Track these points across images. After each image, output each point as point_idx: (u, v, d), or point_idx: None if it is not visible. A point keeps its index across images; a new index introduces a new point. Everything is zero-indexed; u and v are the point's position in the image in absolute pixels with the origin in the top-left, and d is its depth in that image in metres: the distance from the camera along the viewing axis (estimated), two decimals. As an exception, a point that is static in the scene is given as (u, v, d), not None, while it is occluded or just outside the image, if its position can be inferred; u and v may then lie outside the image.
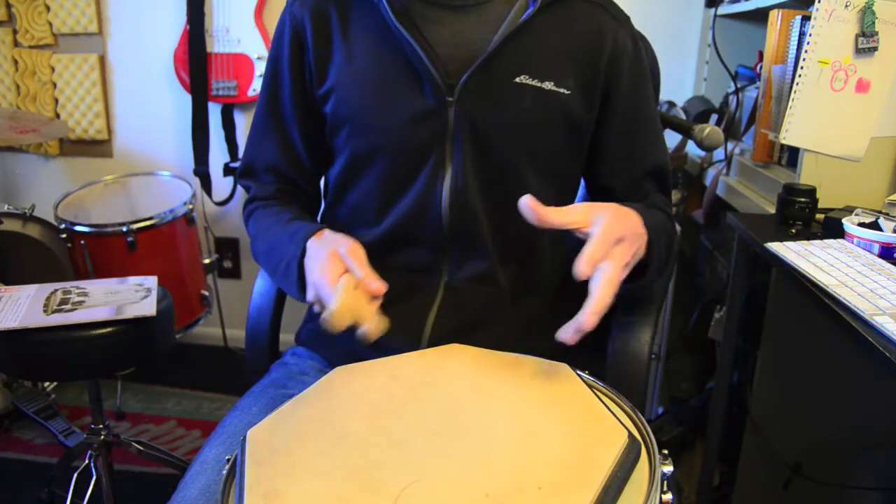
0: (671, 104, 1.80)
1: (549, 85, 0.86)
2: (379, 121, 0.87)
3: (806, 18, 1.20)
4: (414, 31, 0.85)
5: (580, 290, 1.00)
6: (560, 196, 0.95)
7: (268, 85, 0.95)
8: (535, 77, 0.86)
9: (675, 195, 1.80)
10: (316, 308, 0.78)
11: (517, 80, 0.85)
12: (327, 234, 0.83)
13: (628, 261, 0.72)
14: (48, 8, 2.20)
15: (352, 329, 0.93)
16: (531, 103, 0.86)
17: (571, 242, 0.98)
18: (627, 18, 0.93)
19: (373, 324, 0.71)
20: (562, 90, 0.86)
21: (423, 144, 0.87)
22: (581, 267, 0.66)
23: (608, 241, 0.69)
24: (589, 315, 0.66)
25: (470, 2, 0.88)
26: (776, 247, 0.96)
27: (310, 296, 0.78)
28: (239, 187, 2.26)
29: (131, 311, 1.20)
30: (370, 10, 0.87)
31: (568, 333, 0.69)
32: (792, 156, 1.31)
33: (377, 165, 0.89)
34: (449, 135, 0.86)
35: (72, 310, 1.19)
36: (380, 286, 0.73)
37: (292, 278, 0.83)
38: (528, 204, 0.69)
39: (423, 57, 0.84)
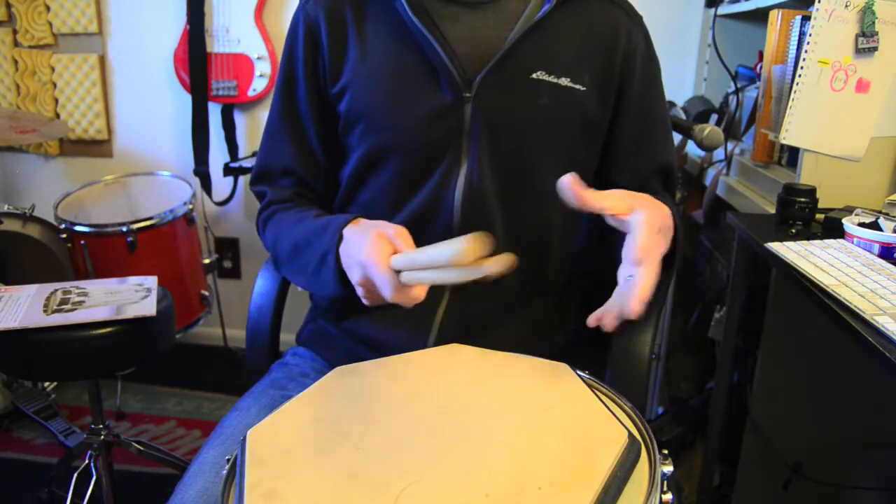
0: (671, 104, 1.80)
1: (565, 81, 0.86)
2: (394, 118, 0.87)
3: (806, 18, 1.20)
4: (432, 27, 0.84)
5: (585, 288, 1.01)
6: None
7: (282, 85, 0.93)
8: (552, 73, 0.85)
9: (676, 195, 1.80)
10: (360, 291, 0.75)
11: (533, 76, 0.85)
12: (363, 220, 0.80)
13: (664, 251, 0.72)
14: (48, 8, 2.20)
15: (351, 328, 0.94)
16: (547, 100, 0.86)
17: (580, 242, 0.99)
18: (640, 17, 0.93)
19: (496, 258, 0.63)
20: (577, 87, 0.86)
21: (438, 141, 0.86)
22: (638, 255, 0.66)
23: (654, 231, 0.68)
24: (636, 302, 0.65)
25: None
26: (776, 247, 0.96)
27: (357, 276, 0.74)
28: (239, 188, 2.27)
29: (131, 311, 1.20)
30: (385, 6, 0.87)
31: (608, 320, 0.69)
32: (792, 156, 1.31)
33: (391, 163, 0.88)
34: (465, 132, 0.86)
35: (72, 310, 1.19)
36: None
37: (329, 271, 0.80)
38: (568, 183, 0.66)
39: (441, 53, 0.83)
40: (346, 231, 0.79)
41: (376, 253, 0.70)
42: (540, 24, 0.85)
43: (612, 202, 0.69)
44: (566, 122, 0.88)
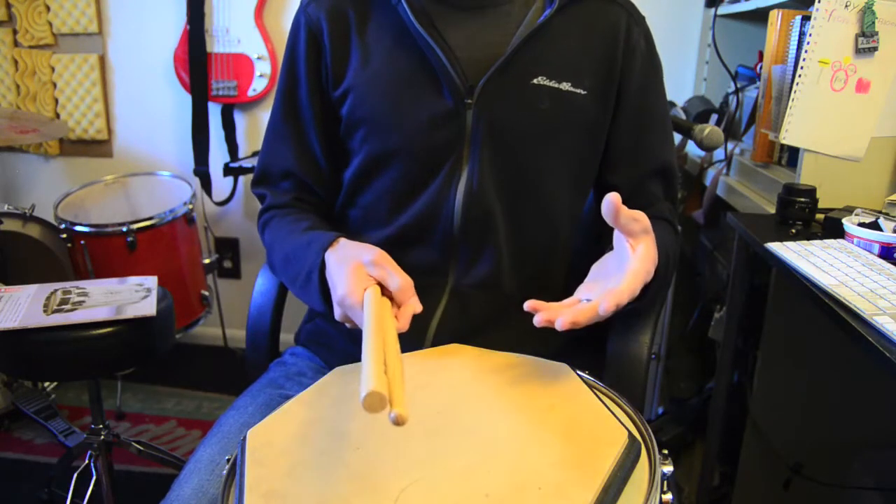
0: (671, 104, 1.80)
1: (566, 86, 0.86)
2: (396, 123, 0.86)
3: (806, 18, 1.20)
4: (434, 32, 0.84)
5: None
6: (576, 197, 0.94)
7: (283, 87, 0.93)
8: (553, 78, 0.85)
9: (677, 197, 1.80)
10: (349, 325, 0.75)
11: (534, 81, 0.85)
12: (342, 243, 0.80)
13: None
14: (48, 8, 2.20)
15: (348, 328, 0.94)
16: (549, 105, 0.85)
17: (580, 242, 0.99)
18: (642, 18, 0.92)
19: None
20: (579, 91, 0.86)
21: (440, 147, 0.86)
22: (609, 303, 0.64)
23: (638, 285, 0.67)
24: (566, 322, 0.64)
25: (487, 4, 0.88)
26: (776, 247, 0.96)
27: (338, 315, 0.75)
28: (239, 188, 2.27)
29: (131, 311, 1.20)
30: (388, 10, 0.87)
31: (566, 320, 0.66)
32: (792, 156, 1.31)
33: (392, 168, 0.88)
34: (467, 137, 0.86)
35: (72, 310, 1.19)
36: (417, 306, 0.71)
37: (314, 289, 0.81)
38: (612, 202, 0.64)
39: (444, 59, 0.83)
40: (328, 255, 0.79)
41: (354, 293, 0.71)
42: (541, 29, 0.85)
43: (632, 228, 0.68)
44: (568, 126, 0.88)
